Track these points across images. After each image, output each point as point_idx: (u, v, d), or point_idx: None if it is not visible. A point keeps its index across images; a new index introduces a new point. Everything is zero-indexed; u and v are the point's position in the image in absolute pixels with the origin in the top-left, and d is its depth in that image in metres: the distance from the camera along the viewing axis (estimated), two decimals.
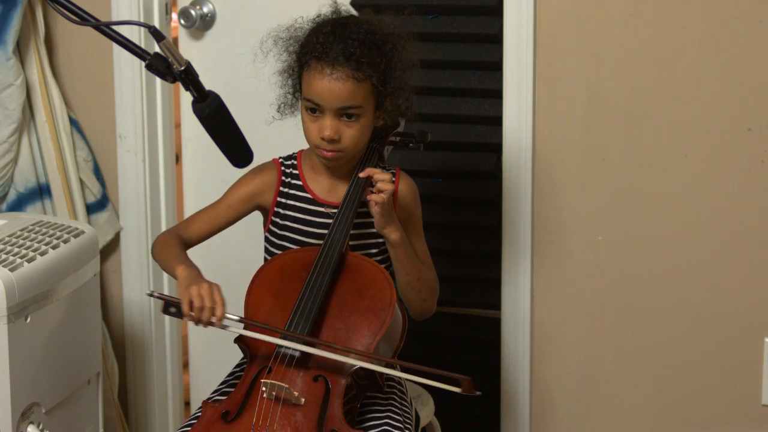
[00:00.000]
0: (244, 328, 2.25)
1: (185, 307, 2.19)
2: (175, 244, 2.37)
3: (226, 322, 2.20)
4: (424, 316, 2.46)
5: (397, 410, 2.33)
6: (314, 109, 2.31)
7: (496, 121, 2.90)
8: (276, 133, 2.53)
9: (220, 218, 2.45)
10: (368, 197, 2.33)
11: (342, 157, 2.35)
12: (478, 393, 2.18)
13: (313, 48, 2.30)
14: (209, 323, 2.20)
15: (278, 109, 2.43)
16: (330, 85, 2.28)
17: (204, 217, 2.45)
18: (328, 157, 2.34)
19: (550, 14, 2.80)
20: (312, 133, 2.33)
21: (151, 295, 2.24)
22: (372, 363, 2.21)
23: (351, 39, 2.28)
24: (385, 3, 2.94)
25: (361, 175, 2.35)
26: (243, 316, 2.26)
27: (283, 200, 2.43)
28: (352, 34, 2.29)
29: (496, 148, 2.91)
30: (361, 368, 2.21)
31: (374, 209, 2.32)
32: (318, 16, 2.38)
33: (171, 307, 2.22)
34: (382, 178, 2.31)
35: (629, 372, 2.88)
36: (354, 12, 2.45)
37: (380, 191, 2.31)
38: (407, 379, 2.29)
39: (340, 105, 2.29)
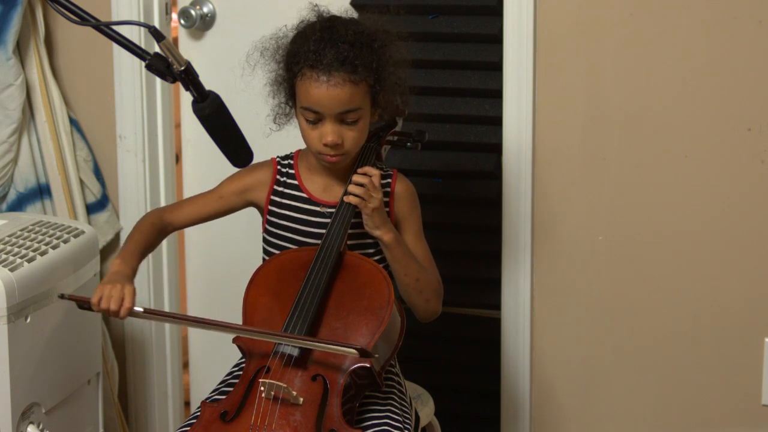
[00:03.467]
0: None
1: (94, 305, 2.23)
2: (144, 231, 2.39)
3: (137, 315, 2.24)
4: (430, 318, 2.45)
5: (396, 410, 2.33)
6: (313, 117, 2.31)
7: (496, 121, 2.90)
8: (277, 133, 2.52)
9: (208, 207, 2.45)
10: (348, 189, 2.33)
11: (345, 160, 2.36)
12: (375, 356, 2.22)
13: (305, 56, 2.28)
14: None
15: (274, 120, 2.42)
16: (328, 92, 2.27)
17: (193, 204, 2.46)
18: (332, 161, 2.34)
19: (550, 14, 2.80)
20: (313, 141, 2.33)
21: (62, 296, 2.27)
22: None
23: (341, 42, 2.27)
24: (385, 3, 2.94)
25: (359, 171, 2.35)
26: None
27: (278, 199, 2.43)
28: (341, 37, 2.28)
29: (496, 148, 2.90)
30: (360, 367, 2.22)
31: (364, 209, 2.32)
32: (301, 22, 2.36)
33: (84, 304, 2.25)
34: (368, 178, 2.32)
35: (629, 372, 2.88)
36: (353, 12, 2.45)
37: (357, 183, 2.31)
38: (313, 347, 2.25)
39: (340, 110, 2.29)
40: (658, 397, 2.86)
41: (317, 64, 2.26)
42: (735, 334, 2.78)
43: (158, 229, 2.42)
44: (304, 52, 2.28)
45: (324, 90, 2.27)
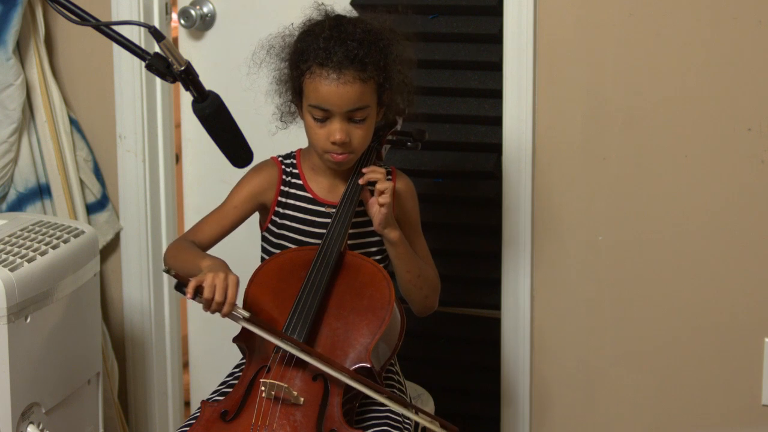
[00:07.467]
0: (247, 325, 2.22)
1: (190, 292, 2.15)
2: (192, 246, 2.36)
3: (231, 316, 2.18)
4: (427, 313, 2.47)
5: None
6: (322, 115, 2.31)
7: (496, 121, 2.90)
8: (278, 133, 2.52)
9: (227, 220, 2.44)
10: (370, 201, 2.33)
11: (351, 160, 2.35)
12: None
13: (314, 54, 2.28)
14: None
15: (280, 118, 2.42)
16: (338, 89, 2.27)
17: (212, 221, 2.44)
18: (339, 161, 2.33)
19: (550, 14, 2.80)
20: (320, 139, 2.32)
21: (167, 271, 2.21)
22: (357, 383, 2.20)
23: (350, 40, 2.27)
24: (385, 3, 2.94)
25: (364, 170, 2.35)
26: (250, 313, 2.22)
27: (284, 199, 2.43)
28: (350, 35, 2.28)
29: (496, 148, 2.90)
30: (360, 367, 2.22)
31: (379, 212, 2.32)
32: (308, 21, 2.36)
33: (183, 287, 2.18)
34: (380, 179, 2.32)
35: (629, 372, 2.88)
36: (354, 12, 2.45)
37: (381, 192, 2.32)
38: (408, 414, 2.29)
39: (350, 108, 2.28)
40: (658, 397, 2.86)
41: (327, 62, 2.26)
42: (735, 334, 2.78)
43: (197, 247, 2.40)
44: (314, 50, 2.28)
45: (334, 87, 2.26)
